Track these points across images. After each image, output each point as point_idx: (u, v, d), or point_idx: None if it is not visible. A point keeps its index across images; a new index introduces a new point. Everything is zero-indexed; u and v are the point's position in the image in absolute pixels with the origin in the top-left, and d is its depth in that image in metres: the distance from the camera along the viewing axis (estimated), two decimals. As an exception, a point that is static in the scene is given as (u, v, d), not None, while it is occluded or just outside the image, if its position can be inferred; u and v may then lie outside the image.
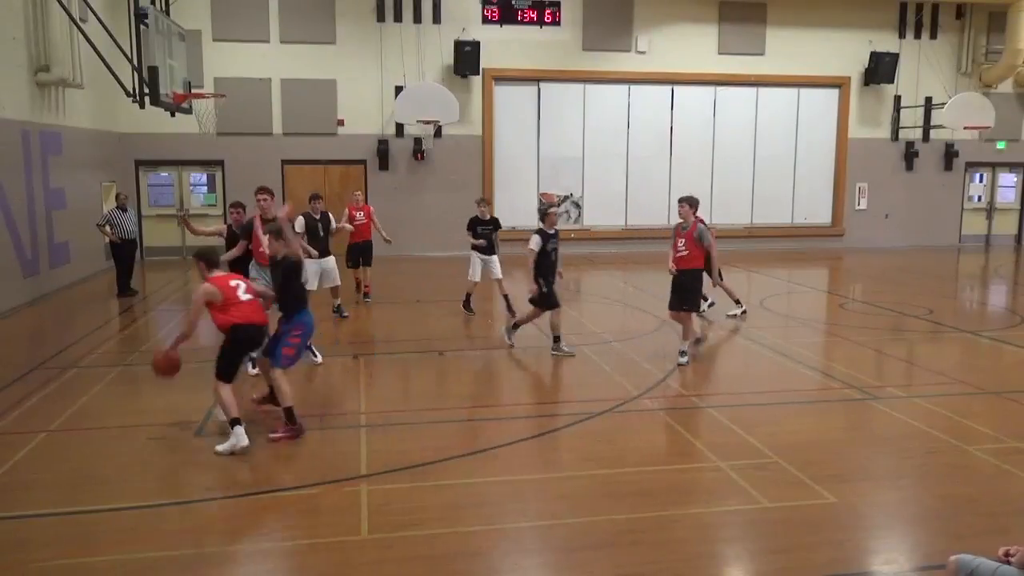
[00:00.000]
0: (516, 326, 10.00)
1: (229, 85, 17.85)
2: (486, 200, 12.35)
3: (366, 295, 13.35)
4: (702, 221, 9.27)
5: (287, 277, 6.96)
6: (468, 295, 12.10)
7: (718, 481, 5.78)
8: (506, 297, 11.82)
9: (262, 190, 8.98)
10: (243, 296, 6.66)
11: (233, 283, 6.72)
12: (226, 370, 6.51)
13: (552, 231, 9.50)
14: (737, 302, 11.85)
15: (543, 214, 9.61)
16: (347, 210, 13.15)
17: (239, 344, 6.63)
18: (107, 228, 13.62)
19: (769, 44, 20.70)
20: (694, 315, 9.60)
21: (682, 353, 9.13)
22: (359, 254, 13.22)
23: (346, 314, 11.75)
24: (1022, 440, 6.60)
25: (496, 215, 12.47)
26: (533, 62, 19.62)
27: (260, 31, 18.50)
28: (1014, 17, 20.51)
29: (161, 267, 17.45)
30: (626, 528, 5.03)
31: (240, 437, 6.31)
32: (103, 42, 13.01)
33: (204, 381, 8.36)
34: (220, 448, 6.30)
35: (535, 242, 9.36)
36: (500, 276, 11.89)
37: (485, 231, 11.76)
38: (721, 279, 10.52)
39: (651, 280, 16.19)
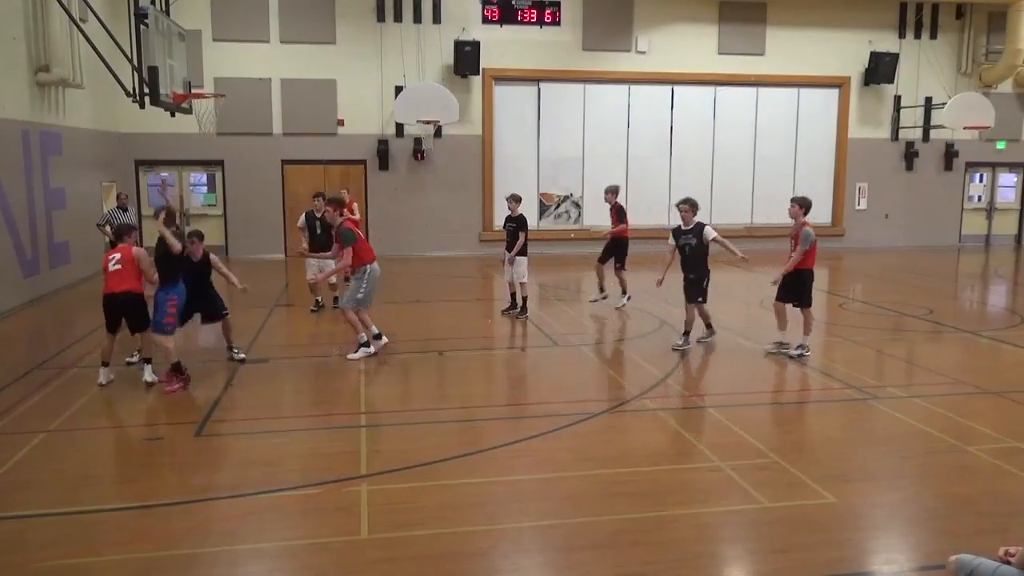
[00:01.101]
0: (686, 333, 9.88)
1: (229, 85, 17.85)
2: (516, 197, 11.76)
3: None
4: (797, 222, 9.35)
5: (167, 256, 8.13)
6: (512, 296, 11.84)
7: (718, 481, 5.78)
8: (524, 300, 11.66)
9: (330, 202, 9.73)
10: (111, 267, 8.16)
11: (112, 256, 8.25)
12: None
13: (686, 227, 9.71)
14: (601, 289, 12.60)
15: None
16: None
17: (104, 307, 8.18)
18: (107, 228, 13.61)
19: (769, 44, 20.70)
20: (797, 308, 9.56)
21: (800, 347, 9.36)
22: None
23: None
24: (1022, 440, 6.59)
25: (522, 212, 11.67)
26: (533, 62, 19.62)
27: (260, 31, 18.50)
28: (1014, 17, 20.51)
29: (161, 267, 17.41)
30: (626, 528, 5.03)
31: (102, 374, 8.16)
32: (103, 42, 13.00)
33: (202, 382, 8.40)
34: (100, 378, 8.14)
35: (670, 238, 9.91)
36: (522, 280, 11.57)
37: (508, 228, 11.59)
38: (624, 267, 12.07)
39: (651, 280, 16.19)
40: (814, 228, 9.44)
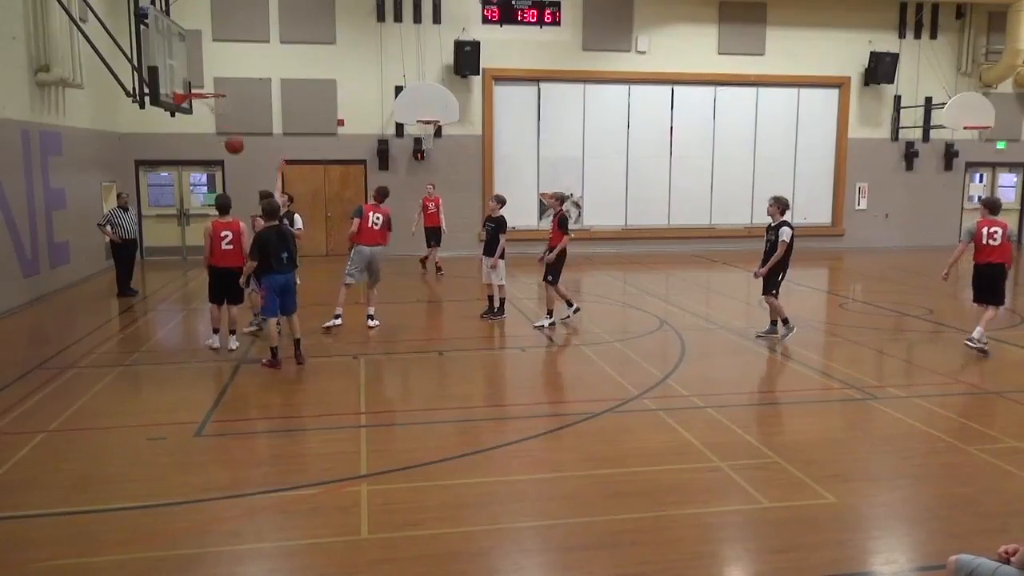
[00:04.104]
0: (785, 321, 10.32)
1: (229, 85, 17.85)
2: (499, 198, 11.60)
3: (439, 269, 16.17)
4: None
5: (262, 248, 8.75)
6: (489, 298, 11.70)
7: (718, 481, 5.78)
8: (502, 302, 11.55)
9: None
10: (224, 245, 9.19)
11: (223, 233, 9.19)
12: (209, 295, 9.48)
13: (773, 223, 10.14)
14: (569, 304, 11.29)
15: None
16: (422, 201, 16.43)
17: (212, 278, 9.37)
18: (108, 228, 13.62)
19: (769, 44, 20.71)
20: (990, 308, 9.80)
21: (971, 340, 9.56)
22: (431, 236, 16.23)
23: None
24: (1022, 440, 6.60)
25: (502, 214, 11.39)
26: (533, 62, 19.62)
27: (260, 31, 18.50)
28: (1014, 17, 20.51)
29: (161, 267, 17.46)
30: (626, 528, 5.03)
31: (212, 339, 9.51)
32: (103, 42, 13.01)
33: (202, 381, 8.41)
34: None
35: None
36: (499, 282, 11.36)
37: (488, 229, 11.45)
38: (555, 282, 11.09)
39: (651, 280, 16.20)
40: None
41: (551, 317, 11.15)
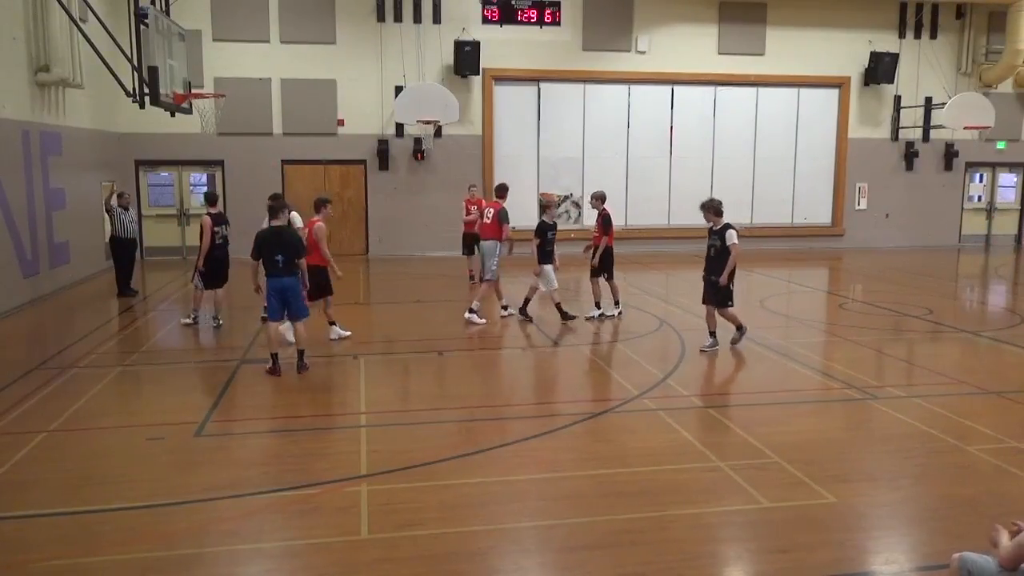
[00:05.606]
0: (713, 334, 9.85)
1: (229, 85, 17.84)
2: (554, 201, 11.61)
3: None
4: None
5: (257, 247, 8.58)
6: (527, 299, 11.65)
7: (718, 481, 5.77)
8: (526, 301, 11.65)
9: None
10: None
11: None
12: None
13: (715, 228, 9.60)
14: (598, 306, 11.72)
15: None
16: (464, 204, 15.34)
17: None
18: (113, 204, 13.63)
19: (769, 44, 20.71)
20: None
21: None
22: (473, 242, 14.39)
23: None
24: (1022, 440, 6.59)
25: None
26: (533, 62, 19.62)
27: (260, 31, 18.50)
28: (1014, 17, 20.51)
29: (161, 267, 17.46)
30: (626, 528, 5.03)
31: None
32: (103, 42, 13.01)
33: (202, 381, 8.40)
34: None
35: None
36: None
37: (553, 236, 11.31)
38: (611, 278, 11.66)
39: (651, 280, 16.20)
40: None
41: (619, 306, 11.92)
